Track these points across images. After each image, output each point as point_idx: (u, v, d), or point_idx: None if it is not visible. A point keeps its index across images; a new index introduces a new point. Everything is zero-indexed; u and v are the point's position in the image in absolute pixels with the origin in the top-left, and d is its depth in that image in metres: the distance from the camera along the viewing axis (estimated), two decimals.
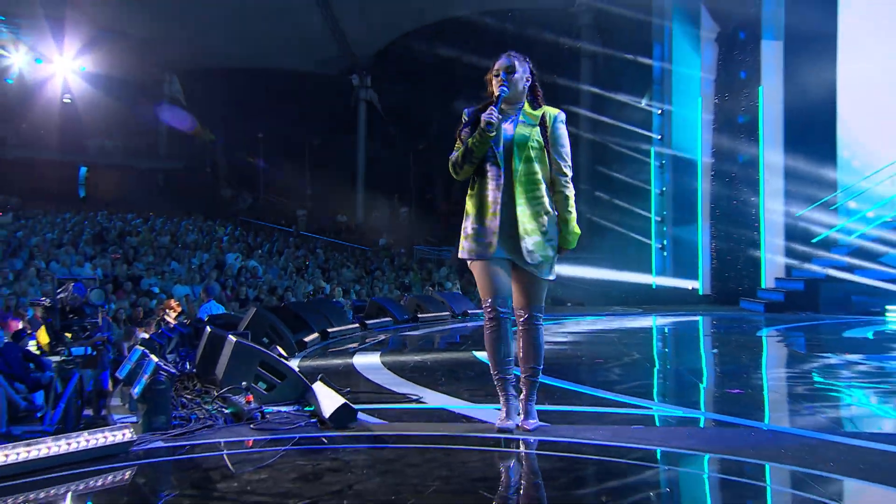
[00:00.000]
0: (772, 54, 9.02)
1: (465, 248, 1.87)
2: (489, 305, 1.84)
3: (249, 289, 8.73)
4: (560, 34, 10.85)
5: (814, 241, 9.05)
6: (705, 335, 6.48)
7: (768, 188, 9.06)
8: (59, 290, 2.86)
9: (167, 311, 5.19)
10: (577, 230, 1.90)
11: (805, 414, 2.57)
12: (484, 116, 1.77)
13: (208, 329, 3.16)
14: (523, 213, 1.81)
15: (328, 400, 2.12)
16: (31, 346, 4.65)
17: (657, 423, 2.31)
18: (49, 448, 1.60)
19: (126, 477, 1.61)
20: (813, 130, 8.73)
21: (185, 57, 13.03)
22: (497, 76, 1.89)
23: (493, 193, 1.83)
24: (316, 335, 4.84)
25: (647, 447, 1.77)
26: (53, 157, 13.58)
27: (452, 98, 9.65)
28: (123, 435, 1.75)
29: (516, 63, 1.89)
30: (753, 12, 9.27)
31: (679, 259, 10.03)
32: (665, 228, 10.16)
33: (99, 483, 1.56)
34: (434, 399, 2.65)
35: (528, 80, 1.93)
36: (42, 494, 1.44)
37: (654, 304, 9.09)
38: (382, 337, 5.36)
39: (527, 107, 1.91)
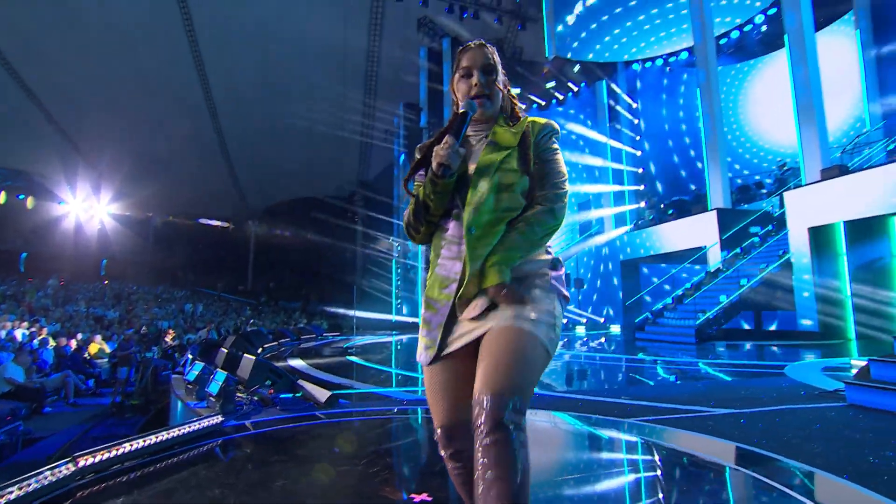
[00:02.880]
0: None
1: (419, 348, 1.33)
2: (439, 440, 1.28)
3: (199, 322, 20.19)
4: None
5: None
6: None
7: None
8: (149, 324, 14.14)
9: (167, 335, 16.62)
10: (514, 256, 1.24)
11: None
12: (436, 153, 1.25)
13: (225, 352, 6.22)
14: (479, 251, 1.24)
15: (317, 392, 3.89)
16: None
17: None
18: (180, 431, 2.93)
19: (235, 443, 2.96)
20: None
21: (162, 207, 25.84)
22: (467, 77, 1.37)
23: (449, 264, 1.30)
24: (260, 348, 10.21)
25: None
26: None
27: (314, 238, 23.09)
28: (217, 419, 3.23)
29: (496, 58, 1.40)
30: None
31: (407, 306, 23.06)
32: (400, 292, 23.34)
33: (225, 445, 2.98)
34: (360, 386, 5.35)
35: (506, 87, 1.42)
36: (197, 452, 2.75)
37: (394, 328, 21.70)
38: (290, 349, 10.15)
39: (499, 124, 1.38)
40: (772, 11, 16.10)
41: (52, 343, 10.67)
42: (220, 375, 4.90)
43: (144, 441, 3.19)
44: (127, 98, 22.77)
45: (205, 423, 3.36)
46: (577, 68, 20.00)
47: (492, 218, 1.27)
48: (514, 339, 1.17)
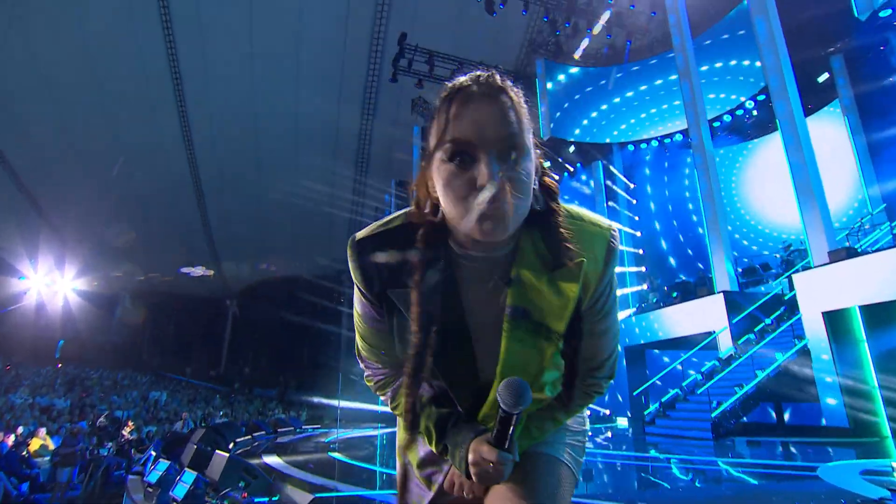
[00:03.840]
0: None
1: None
2: None
3: (162, 412, 19.23)
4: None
5: None
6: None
7: None
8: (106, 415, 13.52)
9: (125, 427, 15.79)
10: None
11: None
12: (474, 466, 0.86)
13: (195, 447, 5.95)
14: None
15: (297, 495, 4.23)
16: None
17: None
18: None
19: None
20: None
21: (133, 284, 25.85)
22: (461, 166, 0.80)
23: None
24: (231, 443, 10.09)
25: None
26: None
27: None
28: None
29: (521, 109, 0.84)
30: None
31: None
32: None
33: None
34: (344, 487, 5.16)
35: (540, 168, 0.89)
36: None
37: (383, 421, 20.78)
38: (265, 444, 10.26)
39: (526, 240, 0.87)
40: (761, 98, 17.41)
41: None
42: (189, 476, 4.64)
43: None
44: (103, 166, 23.26)
45: None
46: (572, 149, 21.07)
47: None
48: (537, 470, 0.95)
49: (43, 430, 11.34)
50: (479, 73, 0.85)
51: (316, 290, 27.72)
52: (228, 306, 31.26)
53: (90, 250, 25.02)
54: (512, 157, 0.80)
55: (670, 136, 20.68)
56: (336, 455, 9.61)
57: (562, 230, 0.87)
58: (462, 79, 0.85)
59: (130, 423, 12.95)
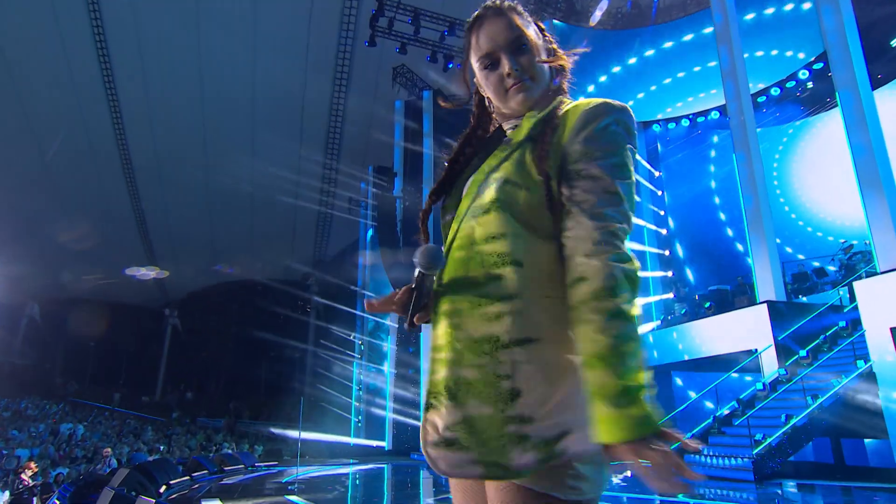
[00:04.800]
0: None
1: None
2: None
3: (78, 449, 18.69)
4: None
5: None
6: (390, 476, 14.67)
7: (426, 387, 21.45)
8: None
9: (25, 470, 15.20)
10: (625, 383, 0.97)
11: None
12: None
13: (112, 493, 6.28)
14: (434, 341, 1.20)
15: None
16: None
17: None
18: None
19: None
20: None
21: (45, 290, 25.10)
22: (493, 67, 1.25)
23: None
24: (164, 486, 9.81)
25: None
26: None
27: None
28: None
29: (527, 21, 1.27)
30: None
31: (371, 426, 21.91)
32: (362, 408, 22.29)
33: None
34: None
35: (558, 65, 1.29)
36: None
37: (353, 455, 20.44)
38: (207, 485, 10.17)
39: (532, 115, 1.22)
40: (818, 66, 17.25)
41: None
42: None
43: None
44: (17, 144, 22.72)
45: None
46: None
47: (465, 255, 1.20)
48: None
49: None
50: (487, 2, 1.30)
51: (277, 298, 27.36)
52: (167, 317, 30.46)
53: None
54: (521, 49, 1.25)
55: (705, 113, 20.55)
56: (294, 499, 9.52)
57: (551, 110, 1.23)
58: (477, 11, 1.29)
59: (33, 465, 12.46)
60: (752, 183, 13.58)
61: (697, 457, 11.49)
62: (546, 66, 1.26)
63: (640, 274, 1.07)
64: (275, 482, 12.41)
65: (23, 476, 12.07)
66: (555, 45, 1.32)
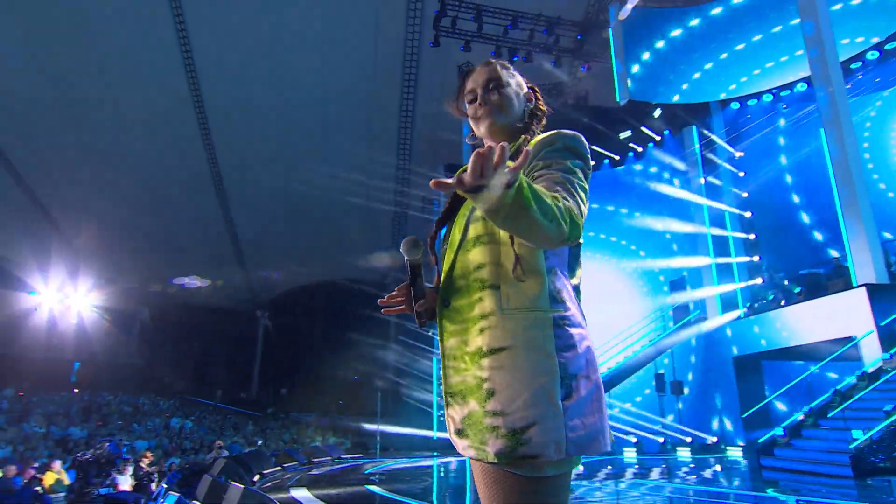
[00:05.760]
0: None
1: None
2: None
3: (187, 441, 20.09)
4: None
5: None
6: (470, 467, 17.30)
7: None
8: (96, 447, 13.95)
9: (143, 458, 16.45)
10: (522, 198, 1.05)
11: None
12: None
13: (210, 480, 6.73)
14: (449, 352, 1.40)
15: None
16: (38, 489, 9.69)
17: None
18: None
19: None
20: None
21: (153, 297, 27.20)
22: (472, 101, 1.51)
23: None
24: (257, 475, 10.67)
25: None
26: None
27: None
28: None
29: (505, 70, 1.55)
30: None
31: None
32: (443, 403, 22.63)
33: None
34: None
35: (530, 101, 1.57)
36: None
37: (435, 449, 20.79)
38: (297, 476, 10.77)
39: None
40: None
41: None
42: None
43: None
44: (116, 169, 24.69)
45: None
46: (658, 113, 20.12)
47: (464, 283, 1.39)
48: (492, 489, 1.31)
49: (58, 463, 12.09)
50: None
51: (359, 297, 28.09)
52: (259, 319, 32.27)
53: (105, 261, 26.60)
54: (493, 86, 1.52)
55: (789, 86, 19.19)
56: (375, 489, 9.87)
57: (517, 146, 1.49)
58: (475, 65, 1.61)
59: (149, 454, 13.55)
60: (844, 158, 12.70)
61: (790, 451, 10.91)
62: (516, 104, 1.53)
63: (576, 217, 1.21)
64: (358, 473, 12.84)
65: (141, 464, 13.37)
66: (533, 95, 1.60)
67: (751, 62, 18.33)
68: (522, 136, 1.52)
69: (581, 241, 1.34)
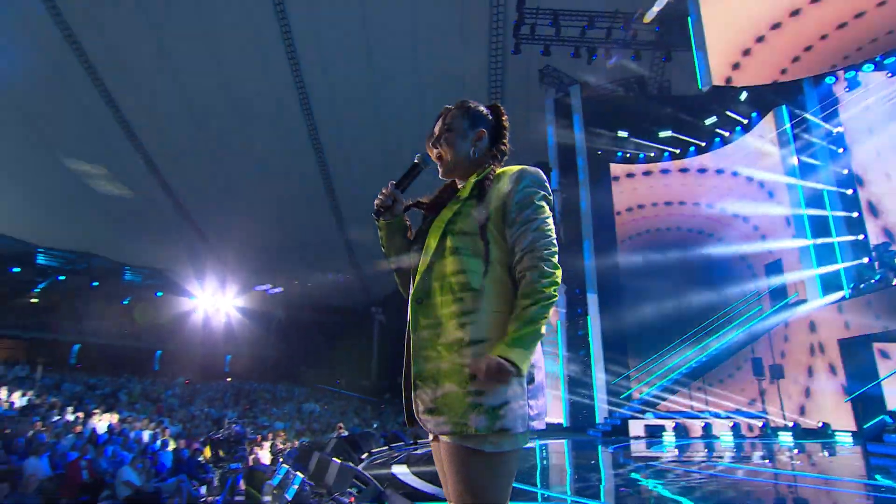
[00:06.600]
0: (594, 300, 21.82)
1: None
2: None
3: (315, 423, 21.96)
4: None
5: (622, 396, 20.84)
6: (571, 450, 14.38)
7: (597, 368, 21.24)
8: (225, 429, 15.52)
9: (278, 437, 18.24)
10: (530, 330, 1.45)
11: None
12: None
13: (317, 454, 7.48)
14: (422, 343, 1.57)
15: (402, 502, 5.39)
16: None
17: None
18: None
19: None
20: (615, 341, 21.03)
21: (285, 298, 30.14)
22: (434, 146, 1.79)
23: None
24: (365, 454, 11.27)
25: None
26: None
27: None
28: None
29: (455, 113, 1.79)
30: (581, 276, 22.50)
31: (550, 405, 22.27)
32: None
33: None
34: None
35: (480, 139, 1.77)
36: None
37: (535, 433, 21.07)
38: (402, 455, 11.13)
39: (472, 178, 1.68)
40: None
41: (171, 445, 12.64)
42: (297, 479, 5.58)
43: None
44: (250, 189, 27.31)
45: None
46: (744, 96, 19.04)
47: (438, 285, 1.60)
48: (458, 465, 1.50)
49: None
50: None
51: None
52: (374, 314, 34.14)
53: (246, 270, 29.67)
54: (440, 140, 1.78)
55: (891, 53, 17.37)
56: None
57: (484, 175, 1.70)
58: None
59: (283, 434, 15.22)
60: None
61: None
62: (462, 150, 1.78)
63: (559, 279, 1.55)
64: None
65: (276, 442, 14.96)
66: (486, 133, 1.81)
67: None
68: (489, 166, 1.72)
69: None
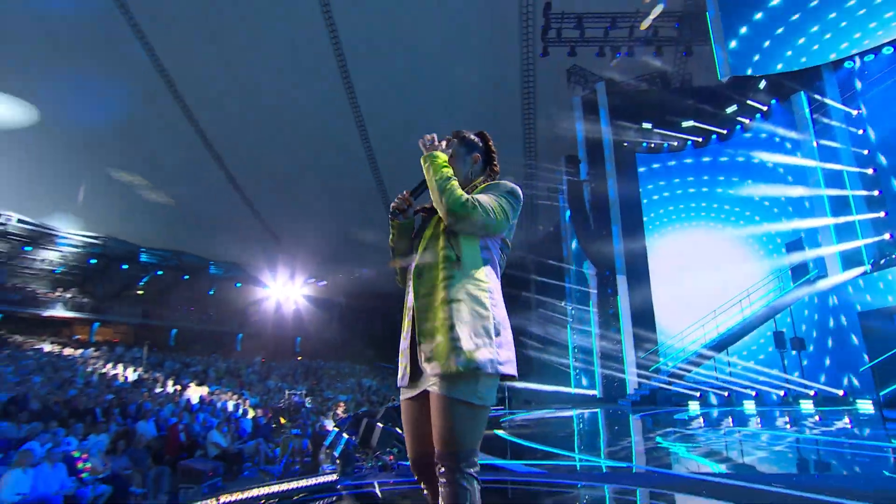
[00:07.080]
0: (623, 281, 21.83)
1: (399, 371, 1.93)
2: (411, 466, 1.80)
3: (374, 395, 22.99)
4: None
5: (650, 369, 20.89)
6: (605, 417, 14.80)
7: (626, 343, 21.29)
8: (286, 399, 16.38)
9: (338, 408, 19.20)
10: (435, 176, 1.88)
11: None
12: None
13: (365, 420, 7.91)
14: (421, 308, 1.83)
15: None
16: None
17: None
18: (301, 483, 4.95)
19: (335, 500, 4.54)
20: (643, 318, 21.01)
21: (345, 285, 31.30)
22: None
23: (408, 302, 1.85)
24: None
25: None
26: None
27: None
28: (332, 478, 5.17)
29: (457, 137, 2.07)
30: (611, 260, 22.49)
31: (586, 377, 22.49)
32: (578, 364, 22.94)
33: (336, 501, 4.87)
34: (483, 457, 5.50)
35: (475, 162, 2.06)
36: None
37: (572, 402, 21.44)
38: None
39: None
40: None
41: (251, 414, 13.81)
42: (343, 440, 6.31)
43: (269, 489, 4.71)
44: (314, 193, 28.68)
45: (320, 479, 4.95)
46: (762, 84, 18.51)
47: (432, 260, 1.86)
48: (447, 414, 1.69)
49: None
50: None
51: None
52: None
53: (312, 262, 31.14)
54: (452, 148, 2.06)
55: None
56: (500, 433, 10.62)
57: (472, 187, 2.00)
58: None
59: (343, 404, 16.17)
60: None
61: None
62: (462, 172, 2.02)
63: (485, 209, 1.83)
64: (493, 421, 13.34)
65: (338, 412, 15.91)
66: (479, 156, 2.08)
67: (866, 17, 16.14)
68: (481, 179, 2.03)
69: (505, 240, 1.96)
